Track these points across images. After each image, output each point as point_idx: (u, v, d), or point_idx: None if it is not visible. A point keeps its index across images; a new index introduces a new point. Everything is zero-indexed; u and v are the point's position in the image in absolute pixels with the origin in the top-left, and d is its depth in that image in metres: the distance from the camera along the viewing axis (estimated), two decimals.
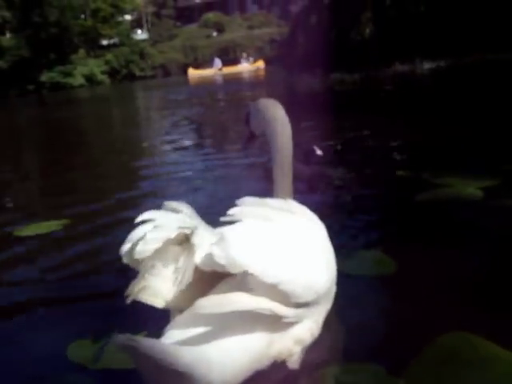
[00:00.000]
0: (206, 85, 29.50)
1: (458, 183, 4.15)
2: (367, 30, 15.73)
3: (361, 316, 2.42)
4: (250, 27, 55.97)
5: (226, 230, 1.84)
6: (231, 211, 1.97)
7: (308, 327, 2.01)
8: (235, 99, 16.28)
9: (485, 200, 3.73)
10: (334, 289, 2.12)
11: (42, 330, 2.57)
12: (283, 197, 2.27)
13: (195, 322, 1.85)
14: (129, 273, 2.73)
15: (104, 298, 2.83)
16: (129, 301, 1.86)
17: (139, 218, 1.96)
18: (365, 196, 4.36)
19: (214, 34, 57.76)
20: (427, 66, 15.23)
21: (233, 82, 29.34)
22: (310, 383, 2.03)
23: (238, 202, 2.05)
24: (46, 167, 8.06)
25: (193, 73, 43.11)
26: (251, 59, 46.61)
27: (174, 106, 16.52)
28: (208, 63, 48.48)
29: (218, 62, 45.19)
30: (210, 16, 59.61)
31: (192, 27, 60.60)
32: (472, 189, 3.96)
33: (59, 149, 9.95)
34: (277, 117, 2.42)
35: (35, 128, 15.50)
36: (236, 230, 1.86)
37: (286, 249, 1.92)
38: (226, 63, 45.89)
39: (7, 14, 48.10)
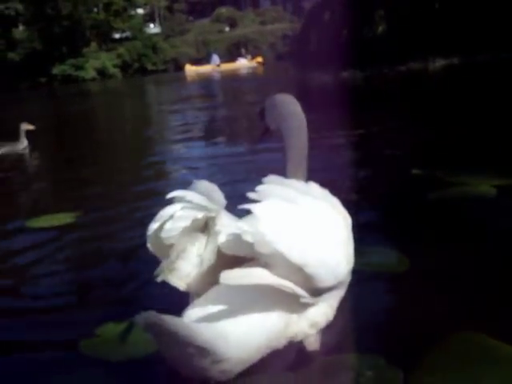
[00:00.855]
0: (204, 81, 29.11)
1: (471, 181, 4.13)
2: (380, 28, 15.68)
3: (371, 310, 2.42)
4: (263, 22, 55.88)
5: (254, 206, 1.83)
6: (258, 188, 1.96)
7: (323, 311, 2.03)
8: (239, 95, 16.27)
9: (498, 198, 3.72)
10: (349, 276, 2.12)
11: (56, 323, 2.58)
12: None
13: (215, 301, 1.88)
14: (142, 262, 2.73)
15: (114, 288, 2.84)
16: (158, 280, 1.91)
17: (169, 195, 1.98)
18: (379, 193, 4.36)
19: (227, 28, 57.73)
20: (440, 63, 15.16)
21: (231, 78, 29.09)
22: (316, 368, 2.04)
23: (264, 179, 2.04)
24: (59, 160, 8.09)
25: (190, 69, 41.96)
26: (249, 56, 45.47)
27: (185, 101, 16.53)
28: (205, 59, 47.55)
29: (215, 58, 44.02)
30: (223, 11, 59.58)
31: (204, 22, 60.58)
32: (486, 187, 3.94)
33: (71, 143, 9.99)
34: (293, 112, 2.44)
35: (47, 121, 15.54)
36: (265, 209, 1.85)
37: (311, 232, 1.93)
38: (223, 60, 45.08)
39: (20, 7, 48.22)
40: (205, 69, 41.81)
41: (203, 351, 1.73)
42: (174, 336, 1.68)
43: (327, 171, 4.92)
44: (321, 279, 1.91)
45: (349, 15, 16.28)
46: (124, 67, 48.78)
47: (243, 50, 47.00)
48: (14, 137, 8.63)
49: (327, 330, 2.08)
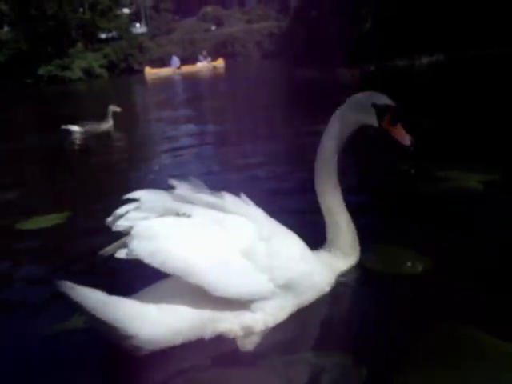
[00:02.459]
0: (164, 85, 28.11)
1: (460, 177, 4.17)
2: (367, 25, 15.71)
3: (352, 309, 2.45)
4: (249, 21, 55.82)
5: (137, 226, 2.11)
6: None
7: (259, 317, 2.21)
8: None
9: (486, 193, 3.76)
10: (300, 290, 2.32)
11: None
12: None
13: (156, 286, 2.22)
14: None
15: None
16: (105, 254, 2.28)
17: (127, 196, 2.33)
18: (368, 189, 4.38)
19: (213, 27, 57.59)
20: (426, 60, 15.23)
21: (192, 81, 28.35)
22: (276, 367, 2.09)
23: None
24: (46, 161, 8.06)
25: (149, 72, 40.34)
26: (209, 58, 43.85)
27: (171, 102, 16.49)
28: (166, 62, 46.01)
29: (175, 60, 42.63)
30: (209, 10, 59.44)
31: (191, 21, 60.41)
32: (474, 182, 3.98)
33: (59, 144, 9.94)
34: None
35: (33, 122, 15.46)
36: (145, 226, 2.10)
37: (196, 246, 2.12)
38: (183, 62, 43.44)
39: (5, 8, 47.88)
40: (165, 71, 40.62)
41: (116, 326, 1.99)
42: (88, 307, 1.95)
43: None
44: (211, 289, 2.08)
45: (335, 13, 16.32)
46: (110, 67, 48.52)
47: (203, 52, 44.99)
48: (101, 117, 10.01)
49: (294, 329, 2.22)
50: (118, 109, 10.08)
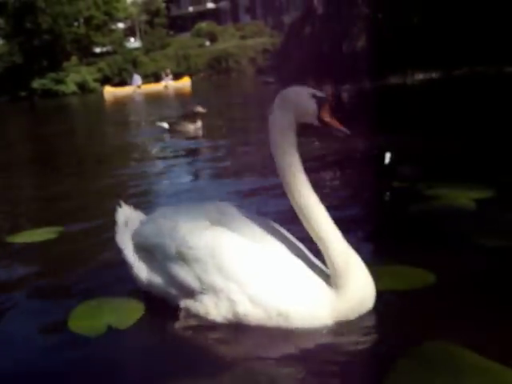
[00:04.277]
0: (123, 105, 26.65)
1: (451, 194, 4.18)
2: (360, 42, 15.82)
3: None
4: (243, 37, 56.09)
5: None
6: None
7: (206, 303, 2.47)
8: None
9: (477, 211, 3.77)
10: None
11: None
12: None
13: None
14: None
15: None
16: None
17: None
18: (359, 207, 4.40)
19: (207, 43, 57.85)
20: (419, 77, 15.33)
21: (155, 101, 27.30)
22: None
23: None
24: (38, 176, 8.05)
25: (108, 91, 38.43)
26: (170, 76, 42.30)
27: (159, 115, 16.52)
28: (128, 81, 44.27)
29: (137, 78, 40.66)
30: (203, 25, 59.72)
31: (185, 36, 60.70)
32: (465, 200, 4.00)
33: (51, 158, 9.93)
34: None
35: (26, 137, 15.47)
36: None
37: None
38: (145, 81, 42.37)
39: (0, 21, 48.03)
40: (125, 90, 38.69)
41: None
42: None
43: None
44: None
45: (329, 30, 16.44)
46: (104, 81, 48.63)
47: (166, 71, 43.45)
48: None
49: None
50: (203, 110, 10.08)
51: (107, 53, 52.74)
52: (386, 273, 2.89)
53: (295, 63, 18.28)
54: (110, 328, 2.56)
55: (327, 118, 2.45)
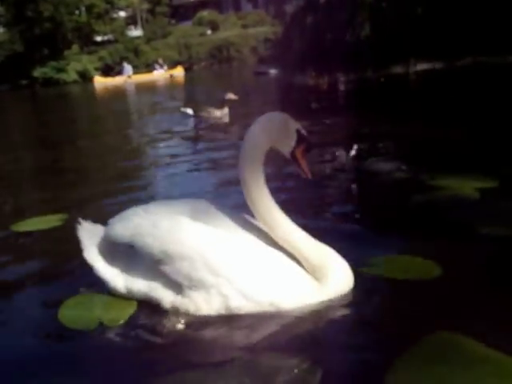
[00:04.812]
0: (115, 96, 26.29)
1: (455, 184, 4.19)
2: (363, 32, 15.74)
3: (346, 313, 2.48)
4: (245, 26, 55.79)
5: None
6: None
7: (195, 300, 2.47)
8: None
9: (482, 201, 3.78)
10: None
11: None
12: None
13: None
14: None
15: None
16: None
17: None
18: (363, 198, 4.41)
19: (209, 32, 57.55)
20: (421, 67, 15.27)
21: (148, 91, 26.78)
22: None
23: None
24: (41, 162, 8.05)
25: (99, 81, 37.92)
26: (165, 66, 41.84)
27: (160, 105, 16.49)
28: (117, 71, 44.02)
29: (128, 68, 40.29)
30: (205, 14, 59.40)
31: (186, 25, 60.36)
32: (469, 190, 4.00)
33: (54, 145, 9.93)
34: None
35: (28, 124, 15.45)
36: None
37: None
38: (137, 71, 41.67)
39: (0, 9, 47.86)
40: (116, 81, 38.13)
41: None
42: None
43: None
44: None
45: (331, 19, 16.36)
46: (105, 70, 48.48)
47: (159, 60, 43.06)
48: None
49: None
50: (234, 97, 10.02)
51: (108, 41, 52.54)
52: (390, 263, 2.90)
53: (297, 52, 18.21)
54: (100, 323, 2.55)
55: (299, 155, 2.59)
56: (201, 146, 7.92)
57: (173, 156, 7.04)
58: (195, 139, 8.69)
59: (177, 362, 2.24)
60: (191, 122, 10.19)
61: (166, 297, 2.56)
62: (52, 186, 6.03)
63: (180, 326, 2.47)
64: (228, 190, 4.68)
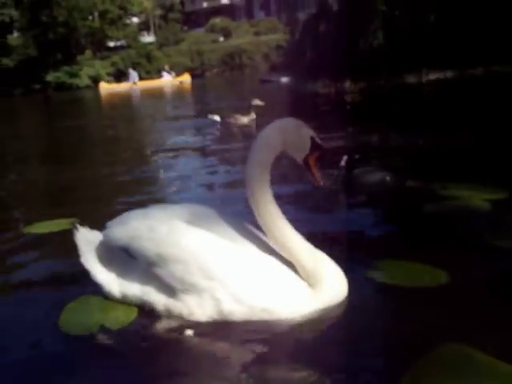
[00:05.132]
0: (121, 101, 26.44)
1: (465, 195, 4.18)
2: (376, 40, 15.73)
3: (354, 321, 2.47)
4: (257, 33, 55.97)
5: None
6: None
7: (189, 303, 2.49)
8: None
9: (491, 212, 3.77)
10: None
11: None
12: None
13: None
14: None
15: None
16: None
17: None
18: (373, 206, 4.40)
19: (221, 39, 57.78)
20: (433, 76, 15.24)
21: (154, 97, 26.77)
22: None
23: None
24: (54, 166, 8.09)
25: (104, 87, 37.99)
26: (173, 73, 41.81)
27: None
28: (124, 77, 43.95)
29: (134, 74, 40.35)
30: (217, 21, 59.65)
31: (199, 32, 60.65)
32: (479, 200, 3.99)
33: (67, 151, 9.99)
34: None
35: (41, 129, 15.54)
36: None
37: None
38: (146, 77, 41.95)
39: (15, 13, 48.22)
40: (121, 87, 38.49)
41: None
42: None
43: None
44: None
45: (344, 27, 16.36)
46: (118, 75, 48.74)
47: (166, 67, 43.03)
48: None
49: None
50: (261, 103, 10.07)
51: (121, 47, 52.85)
52: (398, 269, 2.90)
53: (310, 60, 18.23)
54: (102, 326, 2.57)
55: (312, 162, 2.58)
56: (225, 153, 7.88)
57: (196, 163, 7.08)
58: (221, 145, 8.66)
59: (175, 367, 2.25)
60: (218, 128, 10.18)
61: (160, 300, 2.57)
62: (64, 190, 6.05)
63: (170, 333, 2.48)
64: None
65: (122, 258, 2.71)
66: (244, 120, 10.06)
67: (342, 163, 4.79)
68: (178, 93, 28.67)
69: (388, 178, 4.77)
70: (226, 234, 2.58)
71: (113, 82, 41.99)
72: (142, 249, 2.58)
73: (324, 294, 2.50)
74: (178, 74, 41.80)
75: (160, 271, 2.54)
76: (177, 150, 8.22)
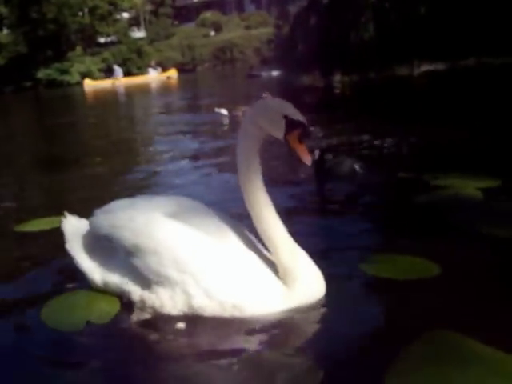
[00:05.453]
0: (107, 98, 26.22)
1: (457, 184, 4.18)
2: (366, 33, 15.73)
3: (345, 312, 2.46)
4: (248, 27, 55.84)
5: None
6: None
7: (161, 296, 2.49)
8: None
9: (483, 201, 3.77)
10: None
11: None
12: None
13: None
14: None
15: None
16: None
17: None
18: (366, 198, 4.40)
19: (212, 33, 57.62)
20: (425, 68, 15.27)
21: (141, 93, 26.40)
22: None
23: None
24: (45, 165, 8.06)
25: (89, 84, 37.44)
26: (159, 68, 41.60)
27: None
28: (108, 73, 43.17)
29: (118, 71, 39.65)
30: (208, 15, 59.46)
31: (189, 26, 60.43)
32: (472, 189, 4.00)
33: (59, 147, 9.95)
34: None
35: (32, 127, 15.48)
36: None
37: None
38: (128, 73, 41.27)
39: (4, 10, 47.90)
40: (105, 83, 37.71)
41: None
42: None
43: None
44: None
45: (335, 20, 16.36)
46: (109, 71, 48.53)
47: (152, 63, 42.76)
48: None
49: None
50: (270, 96, 9.97)
51: (111, 43, 52.56)
52: (390, 262, 2.90)
53: (301, 53, 18.22)
54: (86, 322, 2.56)
55: (294, 141, 2.44)
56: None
57: (200, 156, 7.10)
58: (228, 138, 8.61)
59: (154, 363, 2.24)
60: (225, 122, 10.18)
61: (137, 291, 2.58)
62: (57, 188, 6.02)
63: (142, 325, 2.50)
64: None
65: (105, 246, 2.73)
66: None
67: (315, 157, 4.80)
68: (165, 88, 28.49)
69: (357, 167, 4.79)
70: (207, 227, 2.56)
71: (103, 79, 41.60)
72: (122, 238, 2.61)
73: (298, 293, 2.46)
74: (165, 70, 41.50)
75: (137, 262, 2.55)
76: (182, 149, 8.20)
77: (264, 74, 25.55)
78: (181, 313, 2.47)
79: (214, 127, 9.88)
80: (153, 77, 39.48)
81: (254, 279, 2.47)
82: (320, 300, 2.49)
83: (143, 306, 2.56)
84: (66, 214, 3.02)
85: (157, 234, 2.53)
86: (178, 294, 2.46)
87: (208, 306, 2.43)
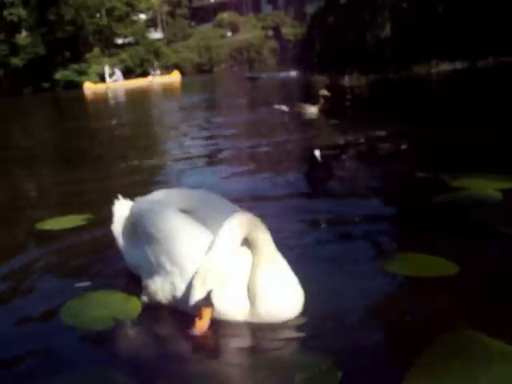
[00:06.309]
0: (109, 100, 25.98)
1: (476, 185, 4.16)
2: (384, 32, 15.67)
3: (368, 309, 2.46)
4: (265, 27, 55.83)
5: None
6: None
7: (158, 285, 2.57)
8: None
9: (503, 201, 3.75)
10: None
11: None
12: None
13: None
14: None
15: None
16: None
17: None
18: (383, 197, 4.39)
19: (229, 34, 57.66)
20: (443, 67, 15.19)
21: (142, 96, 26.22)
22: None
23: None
24: (63, 166, 8.12)
25: (89, 87, 37.32)
26: (158, 71, 41.24)
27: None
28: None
29: (118, 74, 39.69)
30: (225, 16, 59.52)
31: (206, 27, 60.53)
32: (491, 190, 3.97)
33: (76, 148, 10.02)
34: None
35: (50, 127, 15.59)
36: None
37: None
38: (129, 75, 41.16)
39: (23, 13, 48.28)
40: (104, 86, 37.62)
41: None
42: None
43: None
44: None
45: (352, 20, 16.32)
46: (126, 72, 48.74)
47: (153, 65, 42.47)
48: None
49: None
50: (328, 93, 10.15)
51: (129, 44, 52.76)
52: (410, 261, 2.90)
53: (318, 53, 18.20)
54: (108, 320, 2.58)
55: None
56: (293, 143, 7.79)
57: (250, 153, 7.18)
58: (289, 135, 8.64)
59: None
60: (285, 119, 10.30)
61: (144, 276, 2.71)
62: (76, 188, 6.05)
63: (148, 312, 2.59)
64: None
65: (133, 231, 2.92)
66: (312, 109, 10.21)
67: (317, 157, 4.80)
68: (165, 91, 28.03)
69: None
70: (214, 222, 2.49)
71: (98, 82, 41.47)
72: (140, 225, 2.79)
73: (257, 309, 2.38)
74: (168, 72, 41.39)
75: (147, 249, 2.69)
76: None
77: (264, 75, 25.45)
78: (168, 303, 2.57)
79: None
80: (153, 80, 39.04)
81: (232, 284, 2.37)
82: (289, 319, 2.40)
83: (145, 291, 2.68)
84: (119, 196, 3.26)
85: (160, 224, 2.65)
86: (166, 284, 2.55)
87: (186, 302, 2.33)
